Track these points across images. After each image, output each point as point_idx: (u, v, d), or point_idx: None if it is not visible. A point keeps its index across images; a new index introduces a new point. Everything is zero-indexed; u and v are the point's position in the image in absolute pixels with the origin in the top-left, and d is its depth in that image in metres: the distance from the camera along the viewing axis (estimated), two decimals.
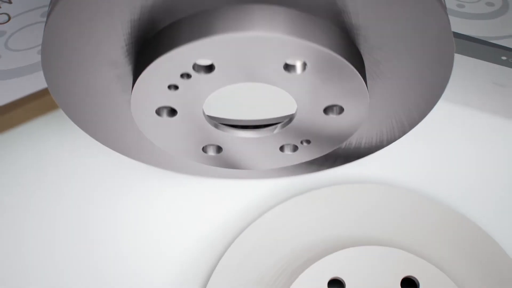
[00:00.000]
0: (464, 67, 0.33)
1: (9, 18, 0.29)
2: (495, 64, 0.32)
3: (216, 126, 0.28)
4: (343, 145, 0.32)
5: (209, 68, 0.25)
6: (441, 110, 0.37)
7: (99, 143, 0.35)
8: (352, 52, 0.25)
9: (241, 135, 0.29)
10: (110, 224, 0.33)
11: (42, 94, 0.34)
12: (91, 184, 0.34)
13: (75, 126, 0.36)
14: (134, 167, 0.35)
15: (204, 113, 0.28)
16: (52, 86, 0.27)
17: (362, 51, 0.26)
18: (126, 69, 0.27)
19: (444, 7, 0.25)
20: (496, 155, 0.36)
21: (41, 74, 0.33)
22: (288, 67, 0.25)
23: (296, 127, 0.28)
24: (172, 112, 0.27)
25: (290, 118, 0.28)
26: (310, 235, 0.32)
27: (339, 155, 0.33)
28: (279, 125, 0.29)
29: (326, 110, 0.27)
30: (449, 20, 0.25)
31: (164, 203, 0.34)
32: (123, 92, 0.28)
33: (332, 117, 0.28)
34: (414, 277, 0.30)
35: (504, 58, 0.32)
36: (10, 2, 0.29)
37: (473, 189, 0.35)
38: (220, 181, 0.34)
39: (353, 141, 0.32)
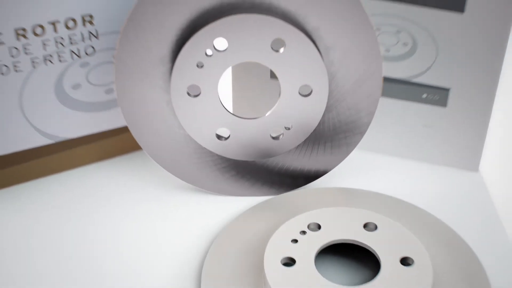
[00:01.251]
0: (392, 113, 0.46)
1: (94, 51, 0.44)
2: (420, 104, 0.46)
3: (226, 109, 0.41)
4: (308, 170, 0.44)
5: (224, 49, 0.39)
6: (379, 161, 0.49)
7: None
8: (315, 46, 0.40)
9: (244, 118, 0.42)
10: (112, 233, 0.43)
11: (97, 137, 0.47)
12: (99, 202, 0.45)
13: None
14: (138, 187, 0.46)
15: (219, 97, 0.41)
16: (118, 67, 0.40)
17: (321, 52, 0.40)
18: (168, 66, 0.41)
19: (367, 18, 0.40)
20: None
21: (101, 114, 0.46)
22: (273, 46, 0.39)
23: (281, 111, 0.41)
24: (198, 92, 0.41)
25: (277, 103, 0.41)
26: (286, 218, 0.42)
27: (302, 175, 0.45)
28: (269, 111, 0.42)
29: (300, 92, 0.41)
30: (372, 27, 0.40)
31: (164, 215, 0.44)
32: (164, 91, 0.41)
33: (305, 99, 0.41)
34: (374, 223, 0.39)
35: (424, 95, 0.46)
36: (97, 37, 0.44)
37: None
38: (208, 196, 0.45)
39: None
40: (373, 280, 0.36)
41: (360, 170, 0.48)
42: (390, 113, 0.47)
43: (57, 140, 0.46)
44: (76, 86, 0.44)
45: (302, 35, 0.39)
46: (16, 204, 0.45)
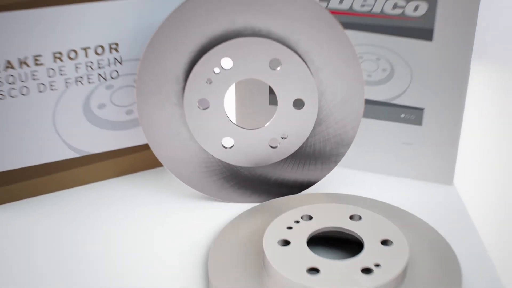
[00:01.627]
0: (375, 133, 0.53)
1: (118, 75, 0.51)
2: (398, 123, 0.52)
3: (231, 121, 0.48)
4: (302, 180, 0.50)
5: (229, 68, 0.47)
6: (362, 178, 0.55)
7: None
8: (307, 66, 0.47)
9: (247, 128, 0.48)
10: (114, 238, 0.49)
11: (116, 154, 0.53)
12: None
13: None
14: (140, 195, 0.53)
15: (225, 109, 0.48)
16: (139, 79, 0.47)
17: (312, 72, 0.48)
18: (182, 85, 0.48)
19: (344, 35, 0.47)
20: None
21: (121, 133, 0.53)
22: (271, 65, 0.47)
23: (278, 122, 0.48)
24: (207, 106, 0.47)
25: (274, 113, 0.48)
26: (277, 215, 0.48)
27: (297, 184, 0.51)
28: (268, 121, 0.48)
29: (294, 105, 0.47)
30: (353, 47, 0.47)
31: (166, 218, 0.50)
32: (176, 105, 0.48)
33: (298, 111, 0.48)
34: (358, 215, 0.45)
35: (403, 115, 0.52)
36: (121, 63, 0.51)
37: None
38: (213, 202, 0.52)
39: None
40: (357, 256, 0.42)
41: (345, 184, 0.54)
42: (373, 133, 0.54)
43: (82, 154, 0.52)
44: (101, 106, 0.51)
45: (295, 56, 0.47)
46: (37, 213, 0.51)
